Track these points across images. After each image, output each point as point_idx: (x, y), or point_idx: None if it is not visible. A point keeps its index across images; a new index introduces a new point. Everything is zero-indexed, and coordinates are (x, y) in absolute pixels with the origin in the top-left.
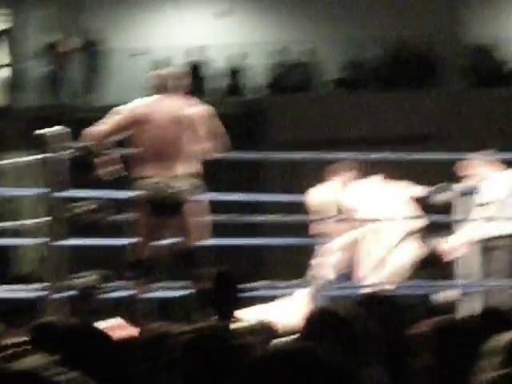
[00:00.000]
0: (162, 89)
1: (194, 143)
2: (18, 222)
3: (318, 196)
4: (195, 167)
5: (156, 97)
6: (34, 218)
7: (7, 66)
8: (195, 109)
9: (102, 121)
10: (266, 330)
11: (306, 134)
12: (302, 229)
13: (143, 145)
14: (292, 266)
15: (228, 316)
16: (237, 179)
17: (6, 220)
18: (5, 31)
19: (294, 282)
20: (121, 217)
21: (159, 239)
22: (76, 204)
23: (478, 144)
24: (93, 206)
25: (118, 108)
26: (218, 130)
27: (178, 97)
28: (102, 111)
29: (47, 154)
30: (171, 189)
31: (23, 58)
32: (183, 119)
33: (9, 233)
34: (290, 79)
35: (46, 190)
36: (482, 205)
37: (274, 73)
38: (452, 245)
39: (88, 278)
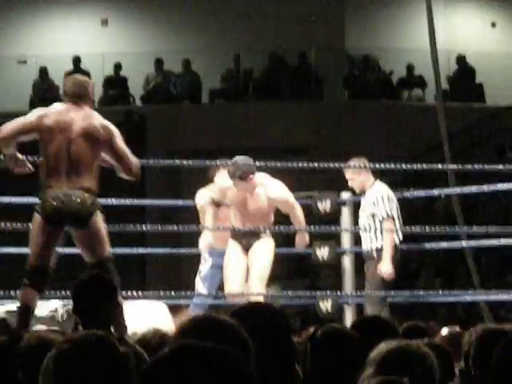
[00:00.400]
0: (75, 96)
1: (102, 157)
2: None
3: (204, 198)
4: (94, 180)
5: (65, 104)
6: None
7: None
8: (107, 122)
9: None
10: (155, 338)
11: (184, 144)
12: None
13: (51, 153)
14: (176, 275)
15: (109, 324)
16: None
17: None
18: None
19: (178, 292)
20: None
21: (54, 250)
22: None
23: (361, 155)
24: None
25: (33, 112)
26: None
27: (89, 108)
28: None
29: None
30: (74, 200)
31: None
32: (95, 132)
33: None
34: (168, 89)
35: None
36: (376, 216)
37: (152, 82)
38: (388, 264)
39: None
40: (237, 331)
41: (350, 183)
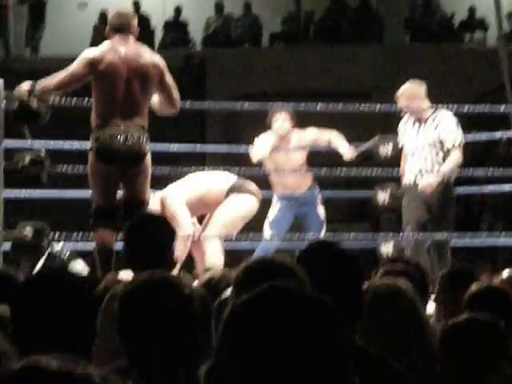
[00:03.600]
0: (120, 30)
1: (151, 94)
2: None
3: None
4: (146, 119)
5: (114, 41)
6: None
7: None
8: (156, 57)
9: (57, 74)
10: (222, 281)
11: (244, 88)
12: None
13: (107, 95)
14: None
15: (169, 266)
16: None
17: None
18: None
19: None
20: (68, 167)
21: (117, 189)
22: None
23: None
24: (31, 157)
25: (81, 57)
26: (172, 82)
27: (136, 42)
28: (47, 62)
29: None
30: (132, 139)
31: None
32: (147, 70)
33: None
34: (228, 33)
35: None
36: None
37: (212, 26)
38: (437, 178)
39: (25, 229)
40: (293, 272)
41: (404, 110)
